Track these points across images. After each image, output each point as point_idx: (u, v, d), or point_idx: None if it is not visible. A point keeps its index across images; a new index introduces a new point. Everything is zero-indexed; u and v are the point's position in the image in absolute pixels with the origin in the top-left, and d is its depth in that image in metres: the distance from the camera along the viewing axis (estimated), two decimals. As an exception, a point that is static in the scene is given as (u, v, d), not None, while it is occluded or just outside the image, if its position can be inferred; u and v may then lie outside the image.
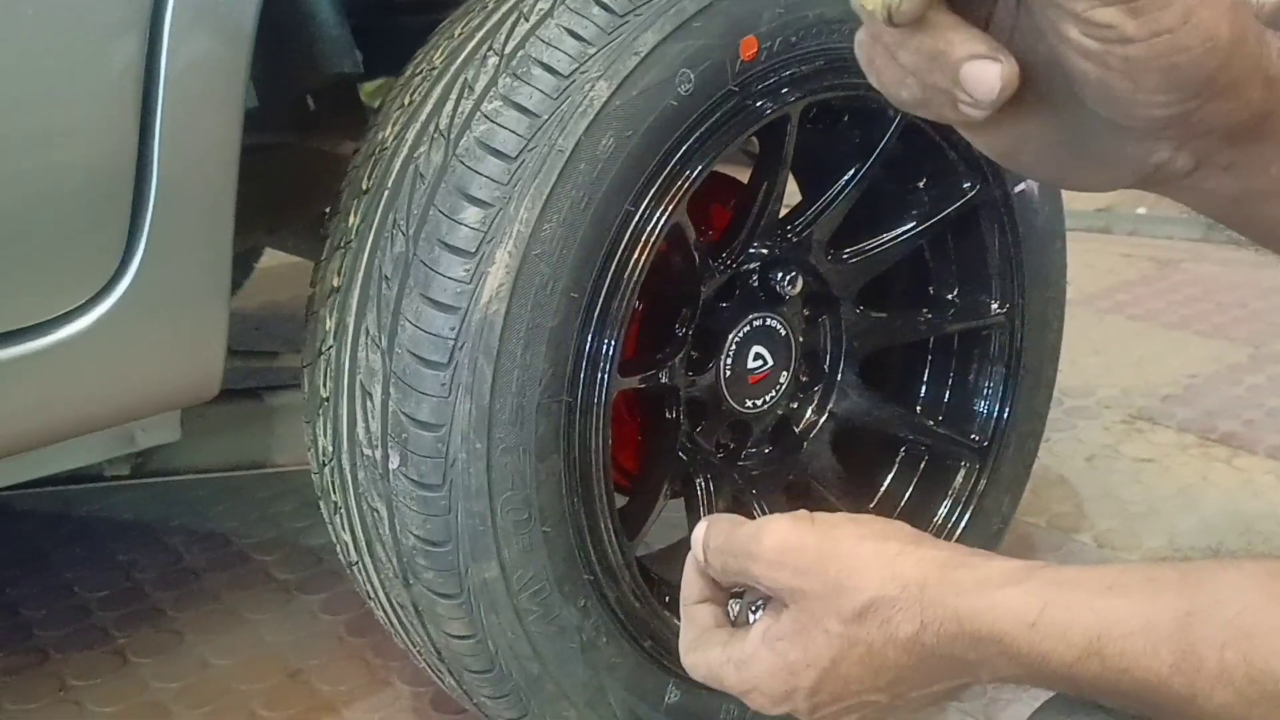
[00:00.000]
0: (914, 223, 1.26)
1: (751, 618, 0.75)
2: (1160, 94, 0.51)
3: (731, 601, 0.77)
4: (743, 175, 1.21)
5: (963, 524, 1.31)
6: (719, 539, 0.76)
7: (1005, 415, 1.34)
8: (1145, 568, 0.61)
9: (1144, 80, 0.51)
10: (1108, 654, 0.59)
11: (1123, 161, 0.57)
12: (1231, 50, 0.51)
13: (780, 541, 0.72)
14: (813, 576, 0.70)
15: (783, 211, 1.21)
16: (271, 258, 2.42)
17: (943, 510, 1.32)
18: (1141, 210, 3.68)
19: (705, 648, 0.75)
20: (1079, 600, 0.61)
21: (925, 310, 1.34)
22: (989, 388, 1.34)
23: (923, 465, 1.34)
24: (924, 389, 1.36)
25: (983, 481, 1.33)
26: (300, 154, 1.35)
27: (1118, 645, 0.59)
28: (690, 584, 0.79)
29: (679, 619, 1.09)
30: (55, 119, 0.87)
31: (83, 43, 0.86)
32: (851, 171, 1.19)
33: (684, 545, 1.23)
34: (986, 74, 0.52)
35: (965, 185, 1.25)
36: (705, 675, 0.76)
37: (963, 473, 1.33)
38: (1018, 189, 1.27)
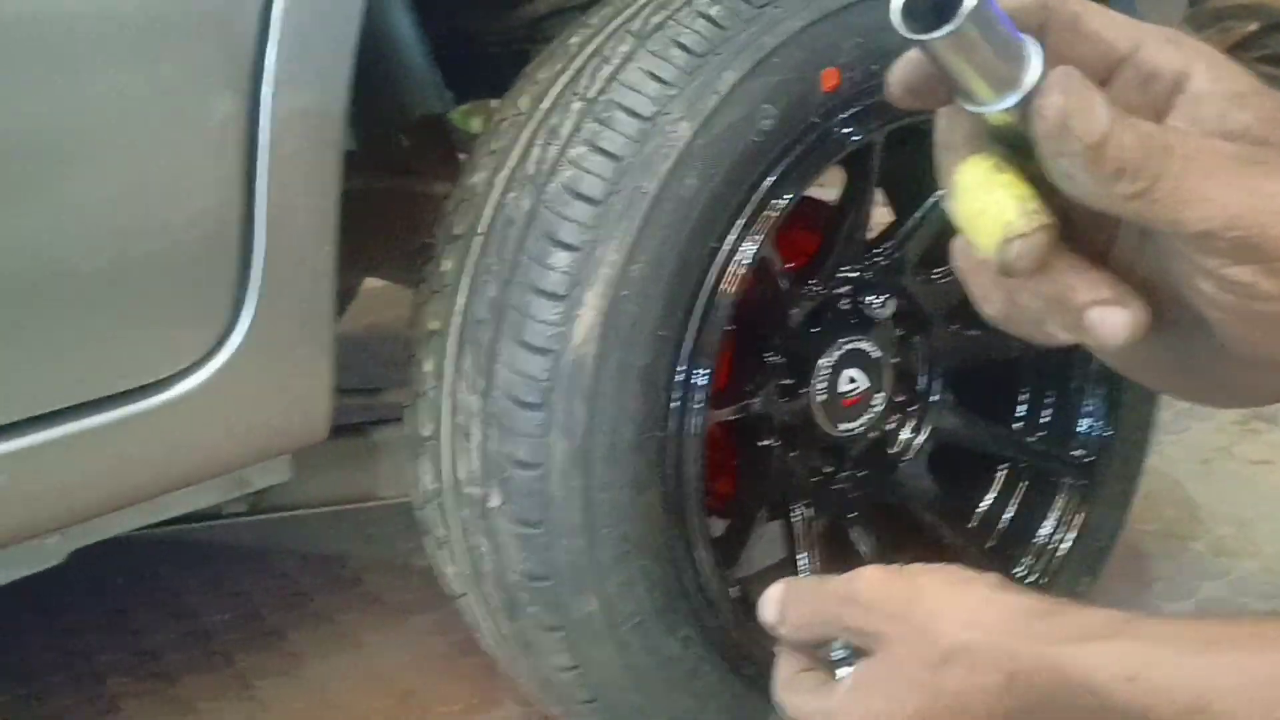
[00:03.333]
0: (1007, 241, 1.24)
1: (839, 660, 0.75)
2: None
3: (831, 643, 0.77)
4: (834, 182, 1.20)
5: (1067, 543, 1.29)
6: (806, 591, 0.76)
7: (1109, 430, 1.31)
8: (1251, 622, 0.59)
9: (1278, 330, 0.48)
10: (1213, 712, 0.57)
11: (1255, 387, 0.55)
12: None
13: (873, 587, 0.72)
14: (900, 622, 0.69)
15: (872, 234, 1.21)
16: (372, 280, 2.48)
17: (1046, 529, 1.30)
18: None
19: (797, 691, 0.76)
20: (1182, 656, 0.59)
21: (1021, 326, 1.32)
22: (1091, 403, 1.31)
23: (1024, 484, 1.33)
24: (1023, 406, 1.34)
25: (1087, 499, 1.31)
26: (394, 193, 1.39)
27: (1225, 703, 0.57)
28: (791, 629, 0.80)
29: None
30: (163, 177, 0.90)
31: (187, 100, 0.90)
32: (941, 191, 1.18)
33: (783, 566, 1.24)
34: (1113, 321, 0.49)
35: (1058, 200, 1.23)
36: (796, 718, 0.76)
37: (1066, 490, 1.31)
38: (1113, 201, 1.24)
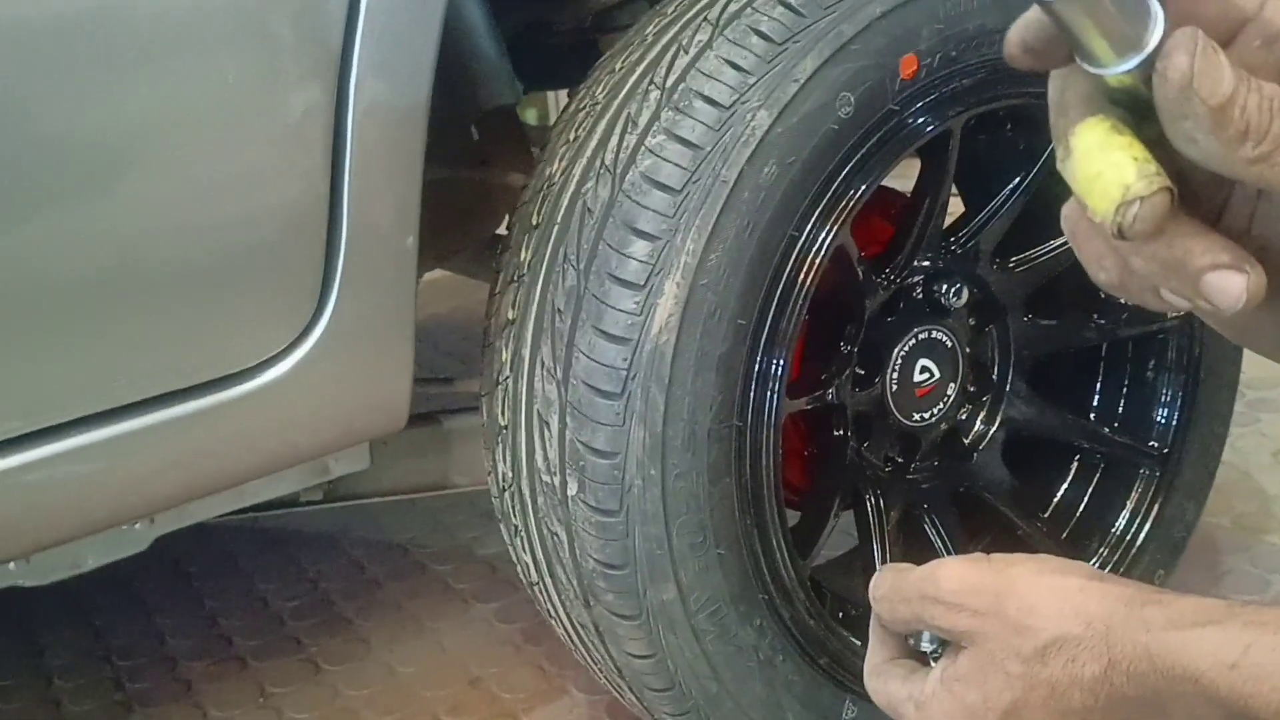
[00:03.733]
0: (1083, 227, 1.23)
1: (931, 657, 0.74)
2: None
3: (921, 633, 0.76)
4: (911, 171, 1.20)
5: (1144, 534, 1.28)
6: (884, 587, 0.75)
7: (1186, 420, 1.29)
8: None
9: None
10: None
11: None
12: None
13: (957, 583, 0.70)
14: (991, 617, 0.68)
15: (947, 222, 1.20)
16: (432, 271, 2.50)
17: (1122, 520, 1.29)
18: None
19: (887, 677, 0.75)
20: None
21: (1096, 316, 1.30)
22: (1167, 393, 1.30)
23: (1099, 474, 1.31)
24: (1098, 396, 1.33)
25: (1164, 489, 1.29)
26: (467, 184, 1.40)
27: None
28: (875, 628, 0.79)
29: (854, 636, 1.11)
30: (252, 168, 0.92)
31: (275, 92, 0.91)
32: (1017, 180, 1.17)
33: (856, 555, 1.24)
34: (1231, 286, 0.49)
35: (1137, 186, 1.21)
36: (885, 705, 0.75)
37: (1142, 480, 1.29)
38: (1193, 188, 1.23)
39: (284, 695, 1.54)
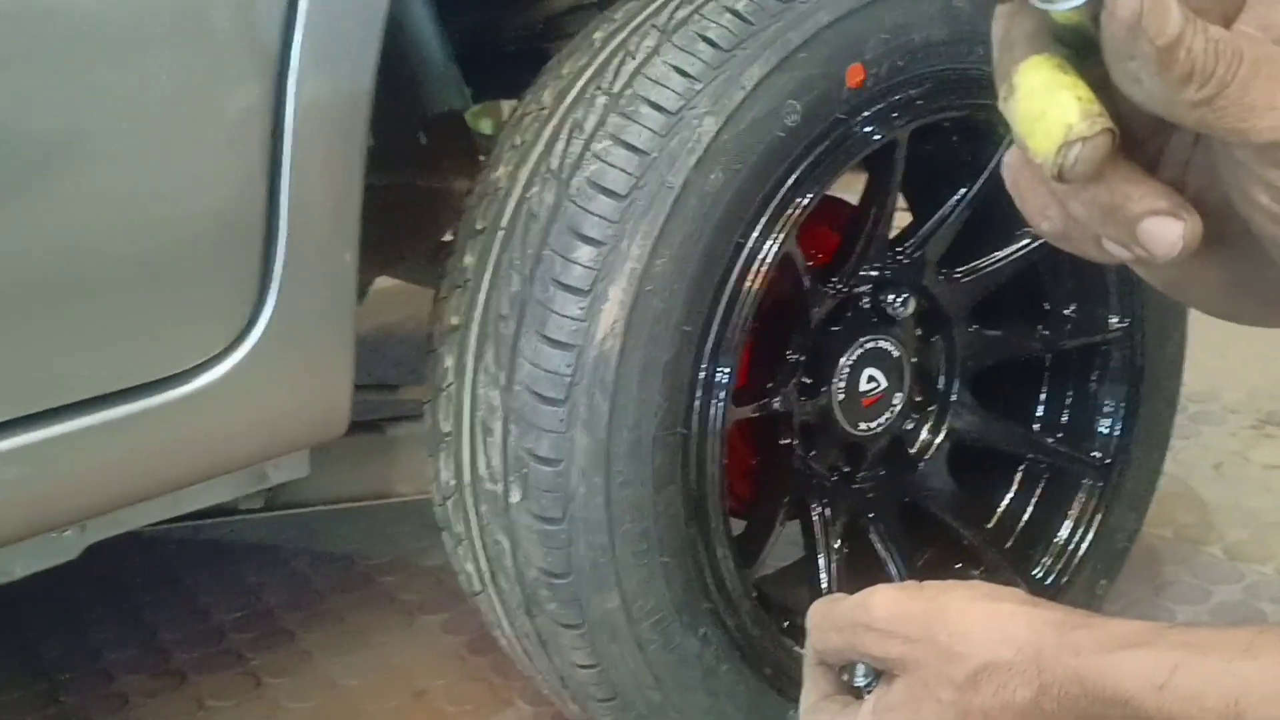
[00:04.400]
0: (1027, 239, 1.24)
1: (865, 691, 0.74)
2: None
3: (854, 666, 0.76)
4: (855, 183, 1.20)
5: (1086, 543, 1.29)
6: (816, 617, 0.75)
7: (1128, 431, 1.31)
8: None
9: None
10: (1246, 719, 0.56)
11: None
12: None
13: (889, 610, 0.70)
14: (923, 644, 0.68)
15: (893, 233, 1.20)
16: (381, 280, 2.48)
17: (1065, 530, 1.30)
18: (1263, 201, 3.56)
19: (821, 714, 0.75)
20: (1214, 663, 0.58)
21: (1041, 327, 1.31)
22: (1109, 404, 1.31)
23: (1043, 484, 1.32)
24: (1042, 407, 1.34)
25: (1106, 499, 1.30)
26: (413, 190, 1.38)
27: (1259, 710, 0.56)
28: (810, 648, 0.79)
29: (798, 645, 1.11)
30: (188, 169, 0.90)
31: (212, 91, 0.90)
32: (962, 190, 1.18)
33: (801, 566, 1.24)
34: (1167, 232, 0.48)
35: (1080, 199, 1.22)
36: None
37: (1084, 491, 1.30)
38: (1135, 201, 1.24)
39: (224, 709, 1.51)
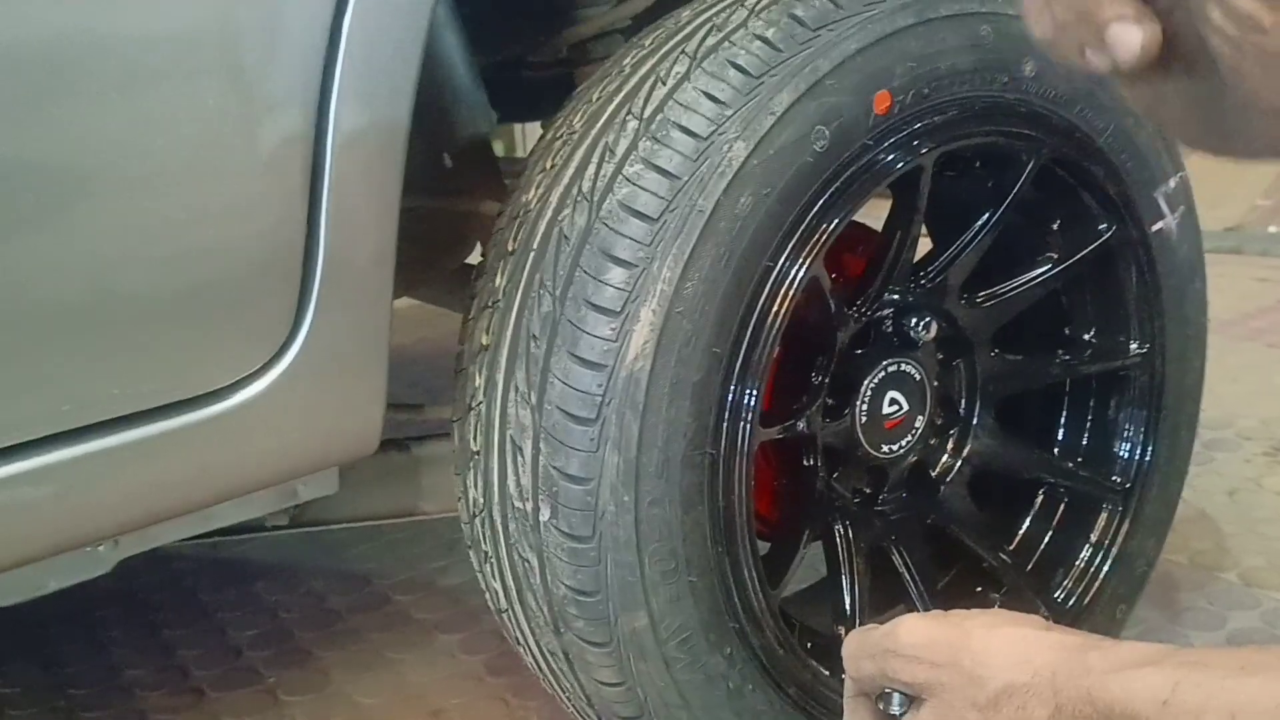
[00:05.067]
0: (1049, 265, 1.25)
1: (898, 715, 0.77)
2: None
3: (889, 692, 0.79)
4: (880, 208, 1.22)
5: (1106, 567, 1.30)
6: (851, 646, 0.79)
7: (1147, 456, 1.32)
8: (1278, 647, 0.62)
9: (1275, 70, 0.52)
10: None
11: (1257, 137, 0.57)
12: None
13: (916, 637, 0.75)
14: (948, 669, 0.72)
15: (917, 257, 1.22)
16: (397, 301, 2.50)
17: (1085, 554, 1.31)
18: (1273, 229, 3.57)
19: None
20: (1212, 679, 0.61)
21: (1062, 352, 1.33)
22: (1129, 429, 1.32)
23: (1063, 508, 1.33)
24: (1062, 431, 1.35)
25: (1125, 524, 1.31)
26: (439, 212, 1.40)
27: None
28: (848, 679, 0.82)
29: (823, 666, 1.12)
30: (232, 194, 0.92)
31: (255, 119, 0.91)
32: (985, 216, 1.19)
33: (825, 586, 1.25)
34: (1130, 37, 0.54)
35: (1101, 227, 1.24)
36: None
37: (1105, 515, 1.31)
38: (1155, 228, 1.26)
39: (240, 727, 1.52)
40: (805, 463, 1.17)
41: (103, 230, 0.88)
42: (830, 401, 1.18)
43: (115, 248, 0.88)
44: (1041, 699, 0.67)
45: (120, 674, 1.63)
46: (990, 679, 0.70)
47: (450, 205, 1.36)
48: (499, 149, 2.61)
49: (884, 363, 1.19)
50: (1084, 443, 1.34)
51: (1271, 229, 3.59)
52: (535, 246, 1.02)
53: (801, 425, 1.14)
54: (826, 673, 1.12)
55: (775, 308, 1.01)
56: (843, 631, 1.12)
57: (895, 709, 0.78)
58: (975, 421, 1.29)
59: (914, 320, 1.19)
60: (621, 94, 1.03)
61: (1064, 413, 1.35)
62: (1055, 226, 1.26)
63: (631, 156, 0.98)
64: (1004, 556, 1.29)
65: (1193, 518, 1.85)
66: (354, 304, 0.97)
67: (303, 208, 0.92)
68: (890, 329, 1.20)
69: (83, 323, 0.89)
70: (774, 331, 1.01)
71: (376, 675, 1.61)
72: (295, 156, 0.92)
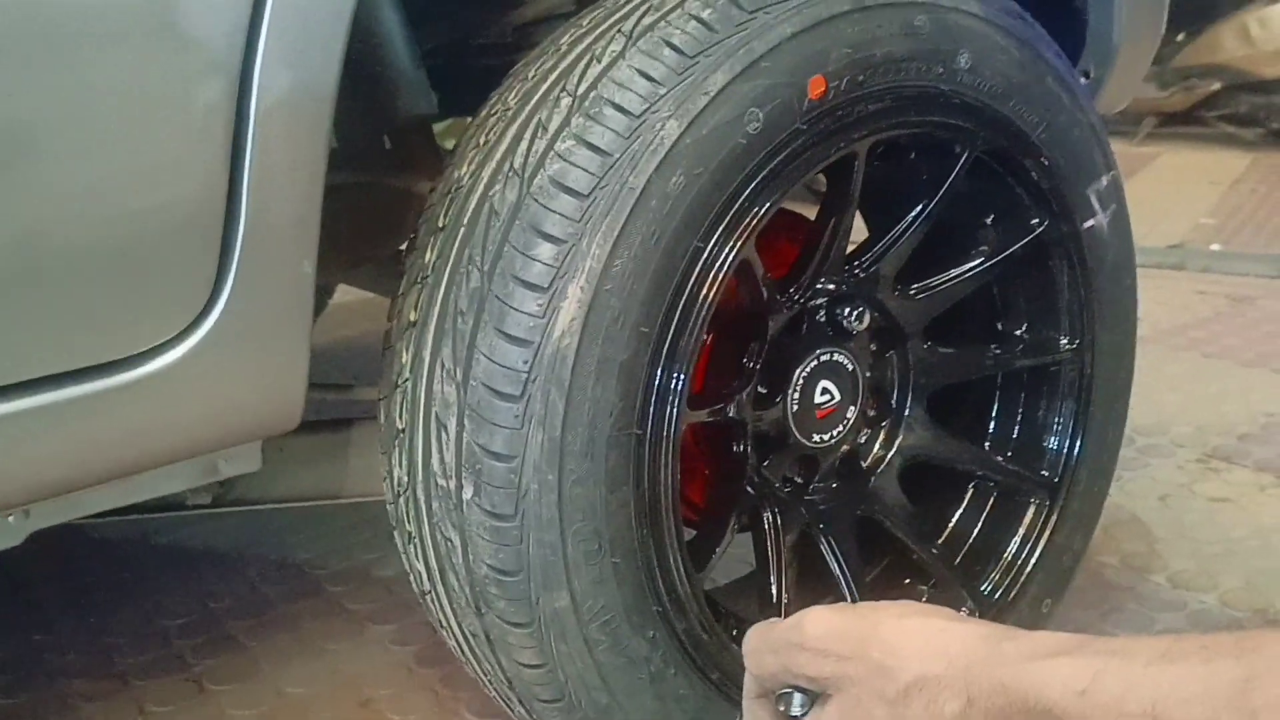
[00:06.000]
0: (981, 258, 1.26)
1: (799, 716, 0.75)
2: None
3: (789, 692, 0.77)
4: (809, 212, 1.22)
5: (1033, 560, 1.30)
6: (753, 641, 0.76)
7: (1076, 451, 1.33)
8: (1199, 637, 0.60)
9: None
10: None
11: None
12: None
13: (822, 630, 0.72)
14: (855, 661, 0.70)
15: (850, 247, 1.22)
16: (343, 294, 2.48)
17: (1013, 546, 1.32)
18: (1215, 247, 3.64)
19: None
20: (1133, 668, 0.60)
21: (994, 345, 1.33)
22: (1059, 423, 1.33)
23: (992, 500, 1.34)
24: (993, 424, 1.36)
25: (1053, 517, 1.32)
26: (377, 192, 1.39)
27: (1175, 713, 0.57)
28: (749, 679, 0.80)
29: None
30: (151, 158, 0.90)
31: (177, 83, 0.90)
32: (919, 208, 1.20)
33: (751, 578, 1.24)
34: None
35: (1033, 221, 1.25)
36: None
37: (1033, 509, 1.32)
38: (1087, 225, 1.27)
39: (165, 715, 1.49)
40: (735, 449, 1.16)
41: (20, 191, 0.85)
42: (762, 388, 1.17)
43: (34, 209, 0.86)
44: (954, 690, 0.65)
45: (44, 659, 1.60)
46: (900, 670, 0.67)
47: (388, 184, 1.35)
48: (451, 145, 2.61)
49: (817, 351, 1.19)
50: (1014, 436, 1.35)
51: (1214, 246, 3.65)
52: (465, 222, 1.01)
53: (731, 410, 1.13)
54: (751, 659, 1.12)
55: (705, 289, 1.01)
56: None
57: (796, 709, 0.74)
58: (907, 413, 1.29)
59: (847, 310, 1.20)
60: (556, 72, 1.03)
61: (995, 406, 1.36)
62: (988, 220, 1.27)
63: (564, 133, 0.98)
64: (933, 549, 1.29)
65: (1125, 521, 1.87)
66: (275, 273, 0.96)
67: (224, 174, 0.91)
68: (823, 318, 1.20)
69: (-2, 283, 0.87)
70: (703, 313, 1.01)
71: (306, 664, 1.59)
72: (217, 122, 0.90)
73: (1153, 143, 5.38)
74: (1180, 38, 5.09)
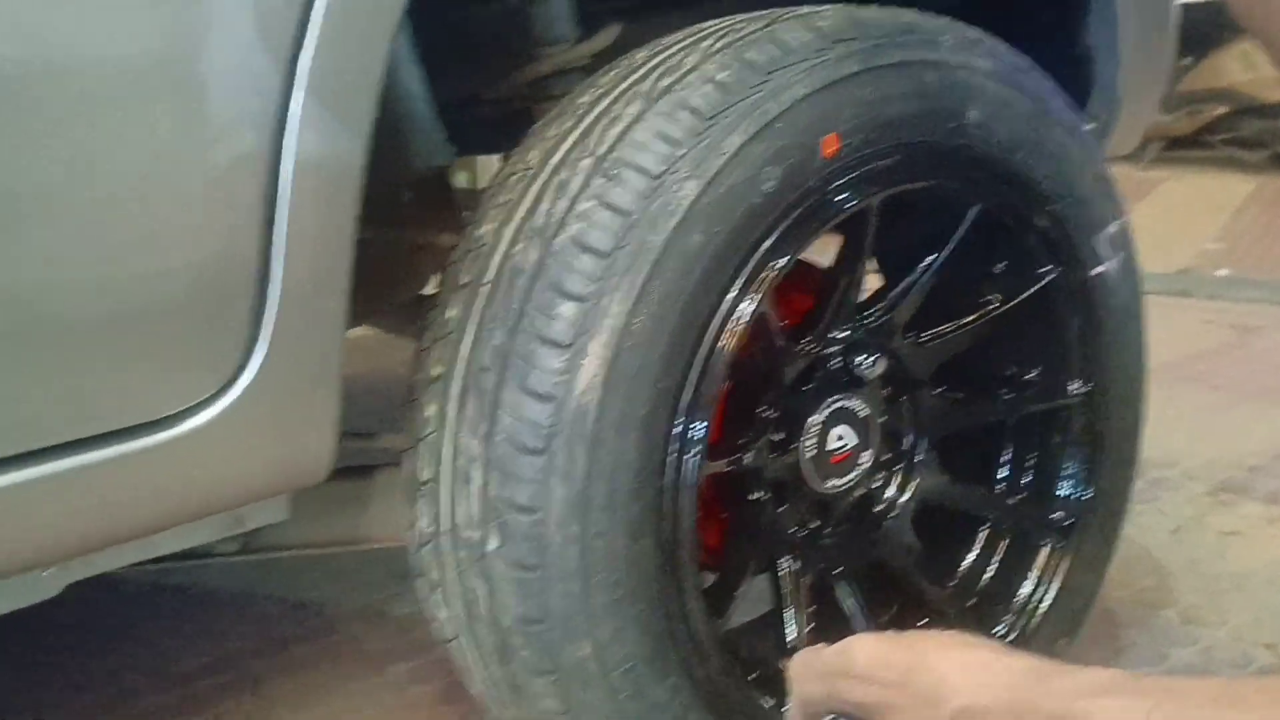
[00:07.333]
0: (992, 306, 1.28)
1: None
2: None
3: (835, 718, 0.78)
4: (828, 246, 1.24)
5: (1047, 602, 1.32)
6: (798, 667, 0.77)
7: (1088, 494, 1.34)
8: (1254, 679, 0.60)
9: None
10: None
11: None
12: None
13: (869, 658, 0.72)
14: (902, 690, 0.70)
15: (863, 295, 1.24)
16: (352, 330, 2.49)
17: (1026, 588, 1.33)
18: (1223, 272, 3.65)
19: None
20: (1186, 710, 0.60)
21: (1004, 391, 1.35)
22: (1071, 466, 1.35)
23: (1005, 544, 1.35)
24: (1005, 468, 1.38)
25: (1066, 560, 1.33)
26: (396, 243, 1.41)
27: None
28: (794, 705, 0.81)
29: (766, 697, 1.13)
30: (186, 219, 0.92)
31: (212, 146, 0.92)
32: (930, 258, 1.22)
33: (768, 619, 1.26)
34: None
35: (1042, 270, 1.27)
36: None
37: (1046, 551, 1.33)
38: (1095, 272, 1.29)
39: (186, 757, 1.51)
40: (752, 496, 1.18)
41: (53, 253, 0.88)
42: (777, 436, 1.19)
43: (69, 271, 0.88)
44: None
45: (63, 702, 1.62)
46: (946, 700, 0.68)
47: (407, 237, 1.37)
48: (462, 180, 2.63)
49: (831, 398, 1.21)
50: (1026, 480, 1.37)
51: (1220, 272, 3.66)
52: (488, 280, 1.03)
53: (748, 459, 1.15)
54: (771, 703, 1.13)
55: (723, 344, 1.03)
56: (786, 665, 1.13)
57: None
58: (920, 458, 1.31)
59: (861, 358, 1.22)
60: (576, 132, 1.05)
61: (1007, 451, 1.38)
62: (998, 269, 1.29)
63: (584, 194, 1.00)
64: (946, 591, 1.31)
65: (1136, 555, 1.88)
66: (308, 332, 0.98)
67: (257, 236, 0.93)
68: (837, 365, 1.22)
69: (32, 346, 0.89)
70: (721, 367, 1.03)
71: (324, 705, 1.60)
72: (252, 184, 0.93)
73: (1159, 167, 5.41)
74: (1185, 62, 5.12)
